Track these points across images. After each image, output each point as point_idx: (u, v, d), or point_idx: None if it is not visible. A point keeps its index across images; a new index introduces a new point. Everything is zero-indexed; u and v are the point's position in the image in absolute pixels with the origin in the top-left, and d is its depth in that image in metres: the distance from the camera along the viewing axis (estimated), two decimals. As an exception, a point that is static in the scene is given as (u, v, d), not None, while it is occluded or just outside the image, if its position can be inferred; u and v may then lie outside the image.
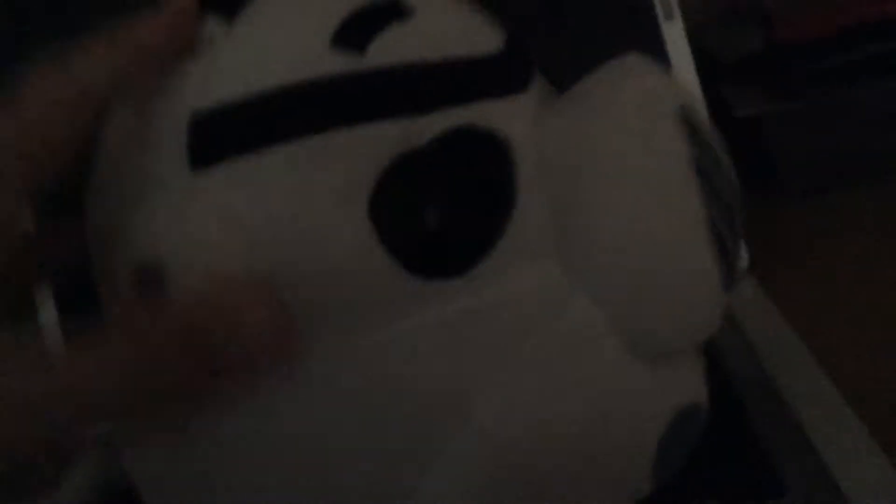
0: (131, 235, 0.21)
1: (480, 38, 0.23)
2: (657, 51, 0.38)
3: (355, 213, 0.19)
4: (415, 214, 0.20)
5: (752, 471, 0.29)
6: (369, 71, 0.20)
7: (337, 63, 0.20)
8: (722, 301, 0.22)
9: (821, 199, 0.49)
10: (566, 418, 0.21)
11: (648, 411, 0.22)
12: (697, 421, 0.24)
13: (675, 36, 0.38)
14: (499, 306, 0.20)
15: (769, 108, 0.49)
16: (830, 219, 0.46)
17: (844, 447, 0.27)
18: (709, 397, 0.27)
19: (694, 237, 0.21)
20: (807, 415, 0.30)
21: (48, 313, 0.38)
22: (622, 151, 0.21)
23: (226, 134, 0.20)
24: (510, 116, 0.22)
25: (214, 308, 0.18)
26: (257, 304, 0.18)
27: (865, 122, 0.48)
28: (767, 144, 0.50)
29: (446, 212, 0.20)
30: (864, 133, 0.49)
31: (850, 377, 0.32)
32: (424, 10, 0.22)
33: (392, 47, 0.21)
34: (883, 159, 0.48)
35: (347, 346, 0.20)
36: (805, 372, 0.32)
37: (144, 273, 0.20)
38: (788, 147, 0.49)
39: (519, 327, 0.20)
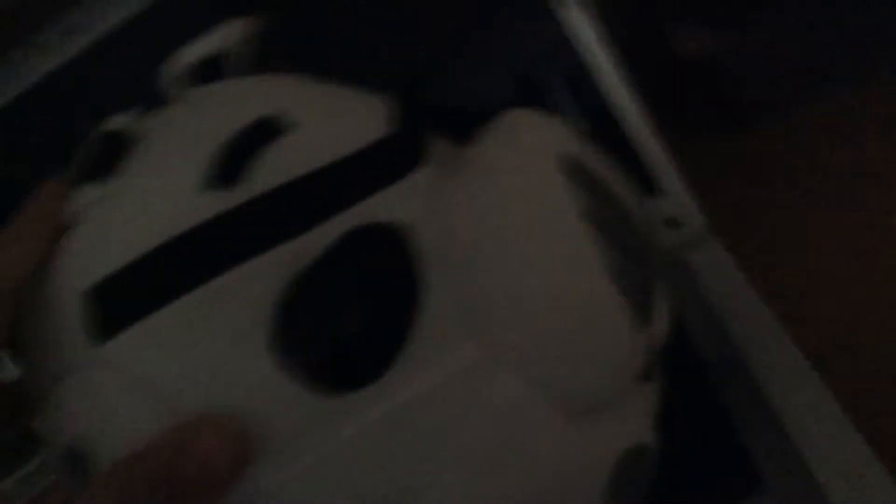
0: (52, 418, 0.21)
1: (364, 128, 0.22)
2: (562, 41, 0.36)
3: (256, 349, 0.19)
4: (318, 332, 0.19)
5: (728, 465, 0.29)
6: (245, 204, 0.20)
7: (213, 204, 0.20)
8: (637, 344, 0.22)
9: (782, 124, 0.47)
10: (510, 495, 0.20)
11: (589, 465, 0.22)
12: (645, 461, 0.23)
13: (575, 22, 0.36)
14: (423, 400, 0.20)
15: (712, 40, 0.47)
16: (792, 150, 0.44)
17: (821, 433, 0.26)
18: (680, 385, 0.27)
19: (594, 289, 0.21)
20: (781, 397, 0.28)
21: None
22: (509, 217, 0.21)
23: (119, 303, 0.20)
24: (404, 202, 0.21)
25: (174, 446, 0.18)
26: (206, 431, 0.19)
27: (814, 32, 0.46)
28: (718, 79, 0.47)
29: (351, 321, 0.19)
30: (816, 44, 0.46)
31: (825, 339, 0.31)
32: (299, 120, 0.22)
33: (268, 171, 0.21)
34: (836, 65, 0.46)
35: (279, 478, 0.19)
36: (779, 351, 0.30)
37: (71, 454, 0.20)
38: (740, 76, 0.47)
39: (448, 416, 0.20)
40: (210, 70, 0.26)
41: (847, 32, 0.44)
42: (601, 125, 0.37)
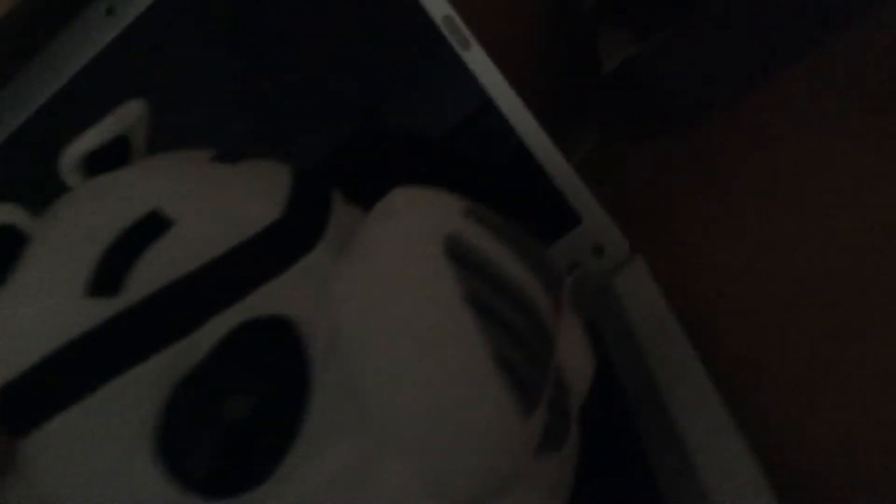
0: None
1: (253, 214, 0.22)
2: (467, 82, 0.37)
3: (143, 459, 0.19)
4: (200, 439, 0.19)
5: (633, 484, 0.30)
6: (128, 310, 0.20)
7: (97, 311, 0.20)
8: (524, 430, 0.22)
9: (716, 122, 0.47)
10: None
11: None
12: None
13: (478, 62, 0.37)
14: (314, 495, 0.20)
15: (636, 47, 0.48)
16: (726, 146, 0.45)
17: (723, 468, 0.27)
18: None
19: (476, 379, 0.21)
20: (690, 433, 0.30)
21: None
22: (391, 307, 0.22)
23: (10, 416, 0.20)
24: (291, 292, 0.21)
25: None
26: None
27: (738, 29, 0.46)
28: (648, 84, 0.48)
29: (238, 422, 0.20)
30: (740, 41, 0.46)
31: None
32: (184, 213, 0.22)
33: (151, 273, 0.20)
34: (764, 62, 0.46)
35: None
36: (693, 385, 0.31)
37: None
38: (668, 80, 0.47)
39: None
40: (113, 154, 0.25)
41: (764, 28, 0.45)
42: (518, 162, 0.38)
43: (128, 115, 0.26)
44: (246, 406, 0.20)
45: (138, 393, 0.20)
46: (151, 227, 0.21)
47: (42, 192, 0.25)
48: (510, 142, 0.38)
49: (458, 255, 0.22)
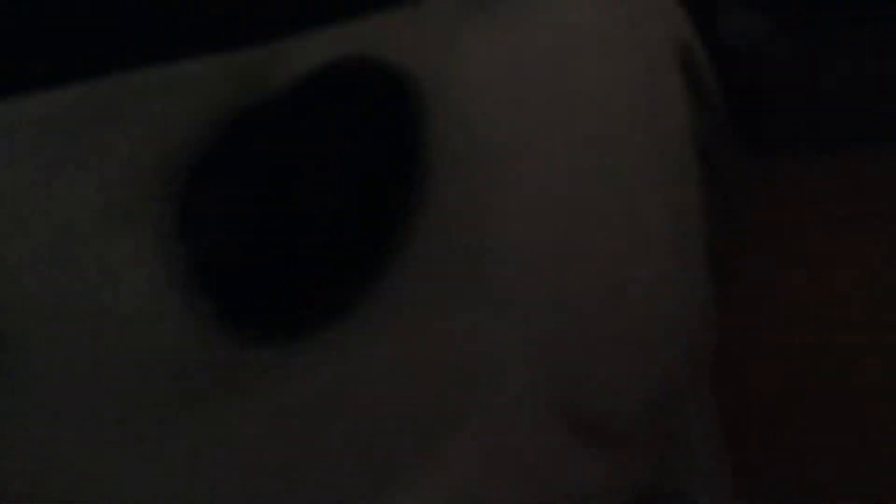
0: None
1: None
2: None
3: (142, 230, 0.13)
4: (251, 224, 0.13)
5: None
6: None
7: None
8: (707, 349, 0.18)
9: (825, 160, 0.42)
10: None
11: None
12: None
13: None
14: (395, 371, 0.14)
15: (767, 37, 0.43)
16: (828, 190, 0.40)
17: None
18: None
19: (682, 265, 0.16)
20: None
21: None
22: (585, 115, 0.15)
23: None
24: (418, 37, 0.15)
25: None
26: None
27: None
28: (760, 84, 0.43)
29: (307, 218, 0.13)
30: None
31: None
32: None
33: None
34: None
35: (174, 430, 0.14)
36: None
37: None
38: (787, 91, 0.42)
39: (431, 404, 0.15)
40: None
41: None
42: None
43: None
44: (324, 189, 0.13)
45: (154, 111, 0.13)
46: None
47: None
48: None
49: (689, 78, 0.18)
